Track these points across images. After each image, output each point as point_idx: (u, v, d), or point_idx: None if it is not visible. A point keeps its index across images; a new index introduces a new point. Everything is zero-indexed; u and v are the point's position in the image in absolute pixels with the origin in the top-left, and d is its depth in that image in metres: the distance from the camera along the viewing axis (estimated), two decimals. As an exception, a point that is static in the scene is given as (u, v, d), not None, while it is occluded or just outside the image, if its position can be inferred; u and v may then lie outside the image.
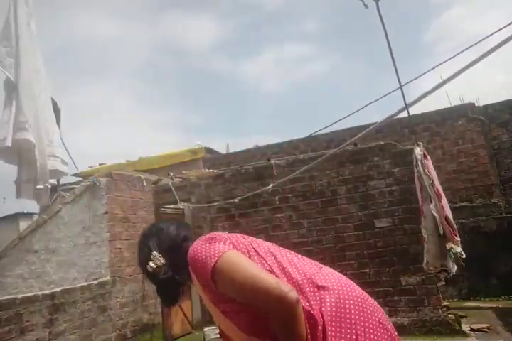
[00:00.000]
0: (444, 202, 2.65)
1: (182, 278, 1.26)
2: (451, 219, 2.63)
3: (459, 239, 2.61)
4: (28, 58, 2.49)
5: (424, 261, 2.67)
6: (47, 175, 2.50)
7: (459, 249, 2.60)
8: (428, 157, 2.75)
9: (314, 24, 69.31)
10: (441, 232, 2.57)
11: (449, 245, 2.56)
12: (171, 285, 1.26)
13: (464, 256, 2.67)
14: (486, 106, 7.47)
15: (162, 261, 1.27)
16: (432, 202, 2.60)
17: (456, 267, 2.67)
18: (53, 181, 2.71)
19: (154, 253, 1.28)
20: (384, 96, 2.96)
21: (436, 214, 2.58)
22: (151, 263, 1.26)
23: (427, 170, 2.64)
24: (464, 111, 7.41)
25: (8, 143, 2.33)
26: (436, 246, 2.61)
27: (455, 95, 12.57)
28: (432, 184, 2.61)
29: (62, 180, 5.58)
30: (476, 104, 7.54)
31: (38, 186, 2.47)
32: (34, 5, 2.69)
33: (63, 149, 2.63)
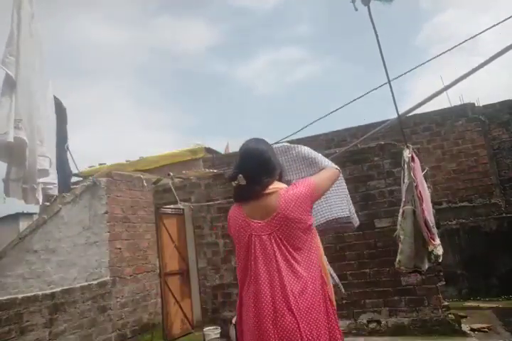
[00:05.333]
0: (426, 205, 2.67)
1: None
2: (431, 223, 2.65)
3: (437, 242, 2.63)
4: (28, 57, 2.50)
5: (397, 261, 2.69)
6: (35, 175, 2.45)
7: (440, 252, 2.63)
8: (416, 160, 2.75)
9: (307, 27, 69.46)
10: (419, 235, 2.60)
11: (430, 248, 2.58)
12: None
13: (440, 260, 2.72)
14: (486, 106, 7.46)
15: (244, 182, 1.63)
16: (412, 205, 2.63)
17: (427, 265, 2.72)
18: (46, 180, 2.64)
19: (240, 176, 1.63)
20: (372, 90, 2.97)
21: (413, 217, 2.61)
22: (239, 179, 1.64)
23: (412, 173, 2.65)
24: (464, 111, 7.40)
25: (10, 138, 2.28)
26: (410, 248, 2.63)
27: (455, 95, 12.53)
28: (416, 187, 2.63)
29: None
30: (476, 104, 7.53)
31: (24, 185, 2.44)
32: (35, 6, 2.70)
33: (53, 148, 2.57)
